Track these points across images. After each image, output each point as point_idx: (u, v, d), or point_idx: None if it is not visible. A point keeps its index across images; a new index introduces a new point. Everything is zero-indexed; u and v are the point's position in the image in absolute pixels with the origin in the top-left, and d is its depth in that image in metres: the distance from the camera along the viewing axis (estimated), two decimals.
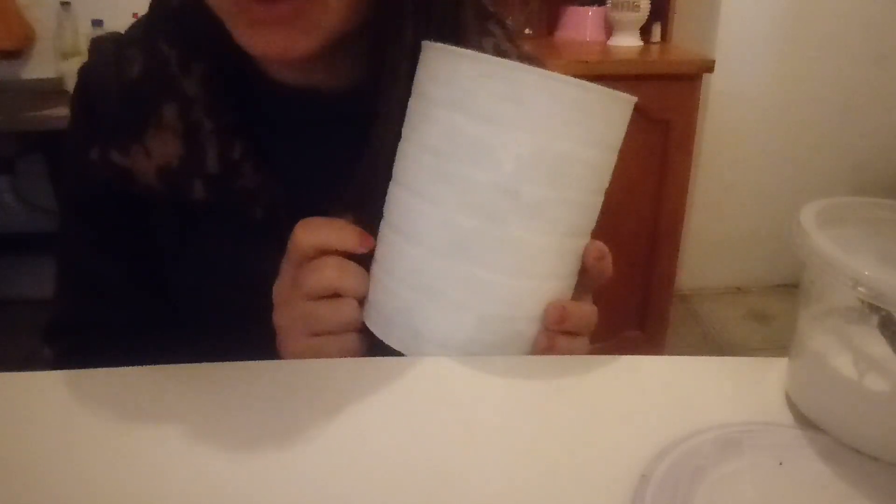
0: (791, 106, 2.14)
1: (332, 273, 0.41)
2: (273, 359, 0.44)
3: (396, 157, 0.41)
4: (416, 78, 0.40)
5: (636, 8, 1.79)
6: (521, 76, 0.36)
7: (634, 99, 0.39)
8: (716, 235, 2.30)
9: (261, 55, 0.43)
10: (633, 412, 0.38)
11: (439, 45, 0.38)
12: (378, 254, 0.42)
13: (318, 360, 0.42)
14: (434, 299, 0.39)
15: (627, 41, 1.85)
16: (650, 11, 1.82)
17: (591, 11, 1.91)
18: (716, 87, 2.02)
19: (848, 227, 0.37)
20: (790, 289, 2.27)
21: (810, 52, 2.07)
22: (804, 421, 0.37)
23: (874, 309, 0.34)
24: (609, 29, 1.89)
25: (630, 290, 1.84)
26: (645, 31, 1.88)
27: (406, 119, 0.41)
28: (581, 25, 1.93)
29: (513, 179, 0.37)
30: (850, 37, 2.06)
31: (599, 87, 0.37)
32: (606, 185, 0.41)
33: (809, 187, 2.20)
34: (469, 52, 0.37)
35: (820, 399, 0.36)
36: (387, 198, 0.42)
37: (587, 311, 0.43)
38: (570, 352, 0.42)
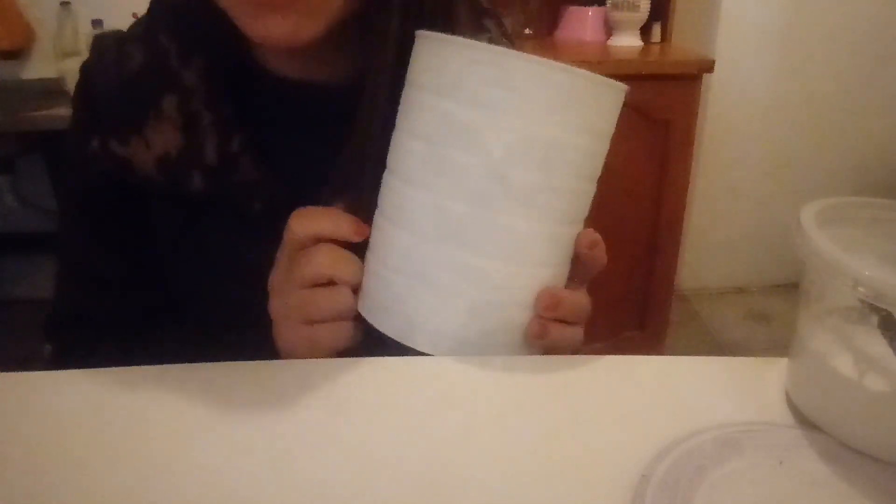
0: (791, 106, 2.14)
1: (326, 260, 0.42)
2: (271, 350, 0.44)
3: (390, 147, 0.42)
4: (409, 67, 0.40)
5: (636, 8, 1.79)
6: (509, 62, 0.36)
7: (625, 87, 0.39)
8: (716, 235, 2.30)
9: (263, 41, 0.44)
10: (633, 412, 0.38)
11: (429, 32, 0.38)
12: (372, 242, 0.42)
13: (318, 360, 0.42)
14: (426, 286, 0.39)
15: (627, 41, 1.84)
16: (650, 11, 1.82)
17: (591, 11, 1.91)
18: (716, 87, 2.02)
19: (848, 227, 0.37)
20: (790, 289, 2.27)
21: (810, 52, 2.07)
22: (804, 421, 0.37)
23: (874, 309, 0.34)
24: (609, 29, 1.89)
25: (630, 290, 1.83)
26: (645, 31, 1.87)
27: (399, 108, 0.41)
28: (581, 25, 1.93)
29: (502, 165, 0.37)
30: (851, 37, 2.06)
31: (589, 72, 0.37)
32: (598, 173, 0.41)
33: (809, 187, 2.20)
34: (458, 38, 0.37)
35: (820, 399, 0.36)
36: (381, 187, 0.42)
37: (580, 299, 0.43)
38: (563, 340, 0.42)
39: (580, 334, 0.44)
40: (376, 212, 0.43)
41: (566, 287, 0.43)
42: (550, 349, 0.42)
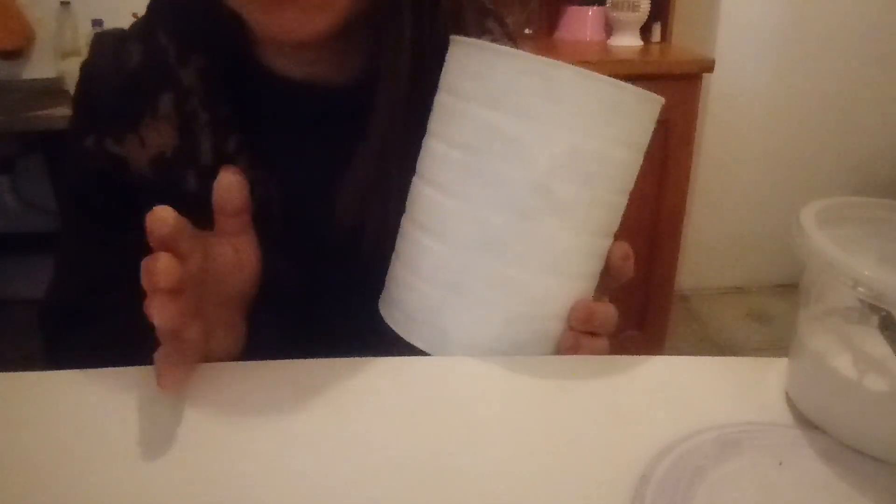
0: (791, 106, 2.14)
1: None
2: (257, 349, 0.44)
3: (421, 154, 0.41)
4: (444, 72, 0.40)
5: (636, 8, 1.79)
6: (558, 73, 0.36)
7: (662, 100, 0.39)
8: (716, 235, 2.29)
9: (275, 36, 0.43)
10: (633, 412, 0.38)
11: (473, 40, 0.38)
12: (400, 251, 0.42)
13: (317, 360, 0.42)
14: (461, 297, 0.39)
15: (627, 41, 1.85)
16: (650, 11, 1.82)
17: (591, 11, 1.91)
18: (716, 87, 2.02)
19: (848, 227, 0.37)
20: (790, 289, 2.27)
21: (810, 52, 2.07)
22: (804, 421, 0.37)
23: (874, 309, 0.34)
24: (609, 29, 1.89)
25: (630, 290, 1.83)
26: (645, 31, 1.87)
27: (433, 115, 0.40)
28: (581, 25, 1.93)
29: (546, 177, 0.37)
30: (851, 37, 2.06)
31: (633, 86, 0.37)
32: (632, 186, 0.41)
33: (809, 187, 2.20)
34: (504, 48, 0.37)
35: (820, 399, 0.36)
36: (409, 195, 0.42)
37: (610, 311, 0.43)
38: (593, 352, 0.42)
39: (607, 346, 0.44)
40: (405, 219, 0.42)
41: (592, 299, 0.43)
42: None
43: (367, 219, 0.47)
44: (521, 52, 0.36)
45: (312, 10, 0.42)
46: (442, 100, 0.40)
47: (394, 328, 0.42)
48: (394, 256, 0.43)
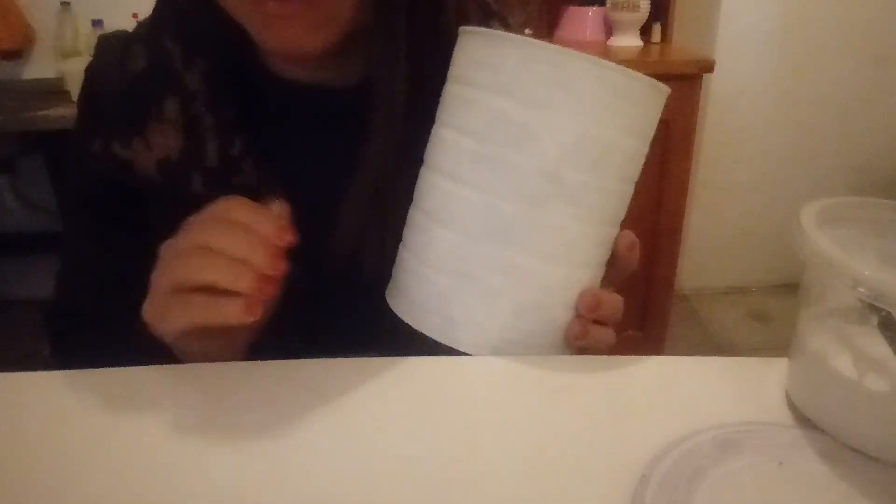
0: (791, 106, 2.14)
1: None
2: (262, 349, 0.44)
3: (430, 144, 0.41)
4: (453, 63, 0.40)
5: (636, 8, 1.79)
6: (568, 61, 0.36)
7: (669, 89, 0.39)
8: (716, 235, 2.29)
9: (276, 50, 0.44)
10: (633, 412, 0.38)
11: (482, 29, 0.38)
12: (409, 240, 0.42)
13: (321, 360, 0.42)
14: (471, 285, 0.39)
15: (627, 41, 1.84)
16: (650, 11, 1.82)
17: (591, 11, 1.91)
18: (716, 87, 2.02)
19: (848, 227, 0.37)
20: (790, 289, 2.27)
21: (810, 52, 2.07)
22: (804, 421, 0.37)
23: (874, 309, 0.34)
24: (609, 29, 1.89)
25: (630, 290, 1.82)
26: (645, 31, 1.87)
27: (442, 104, 0.41)
28: (581, 25, 1.93)
29: (556, 165, 0.37)
30: (850, 37, 2.06)
31: (642, 74, 0.37)
32: (638, 175, 0.41)
33: (809, 187, 2.20)
34: (514, 36, 0.37)
35: (820, 399, 0.36)
36: (418, 184, 0.42)
37: (617, 300, 0.43)
38: (600, 341, 0.42)
39: (613, 336, 0.44)
40: (412, 208, 0.42)
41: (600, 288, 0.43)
42: (586, 350, 0.42)
43: (365, 247, 0.48)
44: (530, 39, 0.36)
45: (315, 26, 0.42)
46: (451, 90, 0.40)
47: (402, 317, 0.42)
48: (401, 245, 0.43)
